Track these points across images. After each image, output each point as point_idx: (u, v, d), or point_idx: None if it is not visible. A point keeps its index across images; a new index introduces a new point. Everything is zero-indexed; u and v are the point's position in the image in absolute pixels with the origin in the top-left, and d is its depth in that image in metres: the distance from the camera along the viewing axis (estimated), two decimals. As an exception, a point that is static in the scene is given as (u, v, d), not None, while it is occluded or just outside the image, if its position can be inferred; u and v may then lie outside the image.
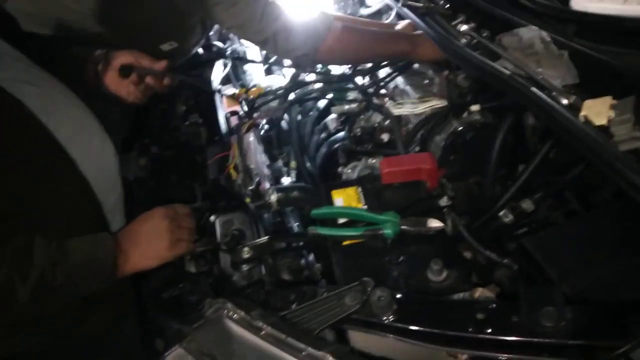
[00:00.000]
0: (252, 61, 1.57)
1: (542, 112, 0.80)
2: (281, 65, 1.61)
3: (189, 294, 0.83)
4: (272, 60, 1.62)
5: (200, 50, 1.56)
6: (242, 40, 1.66)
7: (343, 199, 1.05)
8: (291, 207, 1.19)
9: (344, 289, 0.74)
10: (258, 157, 1.24)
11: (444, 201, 1.01)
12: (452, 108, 1.20)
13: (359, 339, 0.76)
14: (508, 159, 1.19)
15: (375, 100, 1.37)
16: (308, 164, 1.42)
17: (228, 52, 1.59)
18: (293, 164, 1.41)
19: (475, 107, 1.17)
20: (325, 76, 1.48)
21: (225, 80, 1.52)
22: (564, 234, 0.85)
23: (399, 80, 1.40)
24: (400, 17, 1.42)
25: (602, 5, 0.86)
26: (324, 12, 1.28)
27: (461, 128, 1.17)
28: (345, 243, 0.95)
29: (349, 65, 1.46)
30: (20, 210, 0.82)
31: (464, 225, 0.98)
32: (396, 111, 1.30)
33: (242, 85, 1.48)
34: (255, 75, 1.58)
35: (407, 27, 1.37)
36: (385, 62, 1.42)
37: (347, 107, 1.39)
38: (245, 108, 1.33)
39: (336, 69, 1.51)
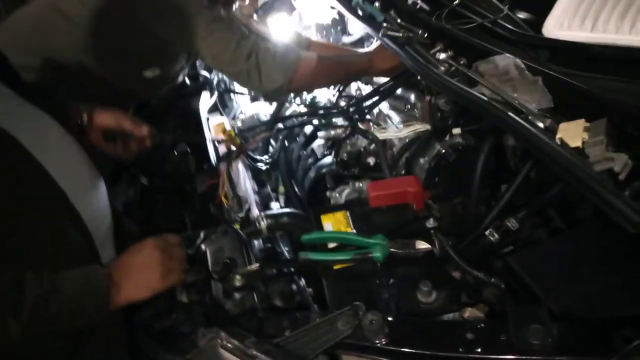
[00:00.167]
0: (239, 92, 1.61)
1: (519, 135, 0.84)
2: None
3: (181, 324, 0.83)
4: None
5: (187, 81, 1.59)
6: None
7: (332, 223, 1.06)
8: (281, 233, 1.20)
9: (336, 314, 0.75)
10: (247, 184, 1.25)
11: (430, 223, 1.03)
12: (435, 131, 1.24)
13: (352, 363, 0.77)
14: (491, 179, 1.23)
15: (361, 126, 1.40)
16: (297, 189, 1.44)
17: (215, 82, 1.62)
18: (282, 189, 1.43)
19: (456, 130, 1.21)
20: (311, 105, 1.52)
21: (213, 108, 1.54)
22: (548, 252, 0.88)
23: (383, 106, 1.44)
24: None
25: (571, 33, 0.92)
26: (292, 46, 1.32)
27: (444, 151, 1.21)
28: (335, 267, 0.96)
29: (335, 93, 1.50)
30: (13, 243, 0.82)
31: (451, 246, 1.01)
32: (381, 135, 1.34)
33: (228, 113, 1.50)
34: (242, 102, 1.61)
35: (378, 48, 1.42)
36: (371, 89, 1.47)
37: (333, 132, 1.42)
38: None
39: (321, 97, 1.54)
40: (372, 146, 1.35)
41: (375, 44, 1.43)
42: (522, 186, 1.05)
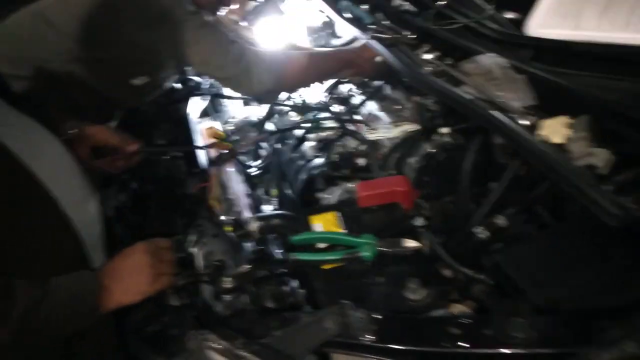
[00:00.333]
0: (229, 97, 1.61)
1: (504, 133, 0.85)
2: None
3: (171, 327, 0.83)
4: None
5: (178, 86, 1.59)
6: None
7: (322, 224, 1.07)
8: (274, 235, 1.20)
9: (323, 312, 0.76)
10: (238, 187, 1.26)
11: (419, 221, 1.04)
12: (424, 131, 1.25)
13: (342, 361, 0.78)
14: (480, 177, 1.24)
15: (351, 127, 1.41)
16: (289, 191, 1.45)
17: (206, 87, 1.63)
18: (274, 191, 1.44)
19: (445, 130, 1.22)
20: (302, 106, 1.52)
21: (204, 113, 1.55)
22: (534, 247, 0.89)
23: (373, 107, 1.45)
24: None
25: (553, 31, 0.93)
26: (279, 49, 1.34)
27: (433, 150, 1.21)
28: (325, 268, 0.97)
29: (326, 95, 1.51)
30: (3, 249, 0.83)
31: (440, 244, 1.01)
32: (371, 136, 1.35)
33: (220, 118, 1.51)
34: (233, 107, 1.62)
35: (362, 47, 1.42)
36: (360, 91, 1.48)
37: (323, 134, 1.43)
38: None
39: (312, 99, 1.55)
40: (363, 147, 1.36)
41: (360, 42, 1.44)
42: (511, 184, 1.06)
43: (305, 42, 1.66)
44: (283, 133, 1.52)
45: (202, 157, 1.34)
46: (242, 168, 1.40)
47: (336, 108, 1.51)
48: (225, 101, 1.66)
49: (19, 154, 0.88)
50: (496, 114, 0.86)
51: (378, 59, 1.30)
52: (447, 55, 1.08)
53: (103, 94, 1.37)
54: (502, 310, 0.69)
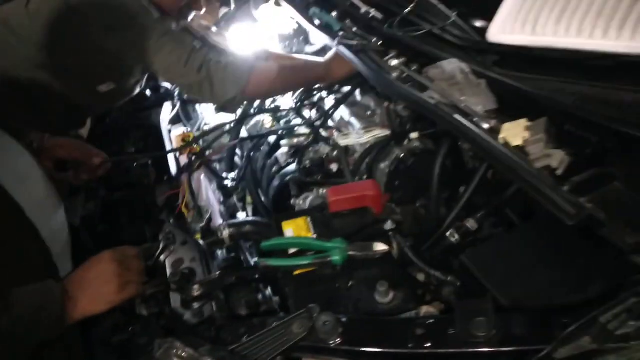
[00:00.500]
0: (199, 101, 1.61)
1: (466, 136, 0.87)
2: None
3: (138, 336, 0.82)
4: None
5: (149, 92, 1.58)
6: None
7: (293, 229, 1.07)
8: (250, 243, 1.20)
9: (290, 317, 0.76)
10: (209, 194, 1.25)
11: (388, 225, 1.05)
12: (394, 136, 1.27)
13: (313, 366, 0.78)
14: (451, 181, 1.26)
15: (323, 133, 1.42)
16: (263, 198, 1.45)
17: (176, 94, 1.62)
18: (249, 199, 1.43)
19: (414, 135, 1.24)
20: (274, 112, 1.53)
21: (175, 120, 1.54)
22: (499, 248, 0.91)
23: (344, 113, 1.46)
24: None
25: (513, 37, 0.95)
26: (244, 56, 1.34)
27: (403, 155, 1.23)
28: (296, 273, 0.97)
29: (296, 100, 1.52)
30: None
31: (409, 246, 1.03)
32: (342, 142, 1.36)
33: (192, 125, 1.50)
34: (206, 113, 1.61)
35: (334, 55, 1.44)
36: (329, 95, 1.49)
37: (296, 140, 1.44)
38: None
39: (284, 105, 1.56)
40: (335, 153, 1.37)
41: (332, 52, 1.46)
42: (482, 187, 1.08)
43: (278, 49, 1.67)
44: (255, 140, 1.52)
45: (172, 164, 1.33)
46: (214, 175, 1.39)
47: (308, 114, 1.52)
48: (197, 108, 1.66)
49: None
50: (459, 117, 0.88)
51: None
52: (413, 61, 1.10)
53: (70, 101, 1.35)
54: (465, 309, 0.70)
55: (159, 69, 1.28)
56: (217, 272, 0.95)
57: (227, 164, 1.51)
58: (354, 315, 0.79)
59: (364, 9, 1.21)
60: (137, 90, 1.46)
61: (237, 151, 1.56)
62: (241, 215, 1.37)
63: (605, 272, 0.75)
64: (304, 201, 1.32)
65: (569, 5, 0.89)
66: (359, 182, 1.22)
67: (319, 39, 1.72)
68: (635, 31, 0.78)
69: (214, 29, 1.49)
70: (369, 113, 1.42)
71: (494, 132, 0.85)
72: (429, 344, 0.68)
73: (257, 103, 1.57)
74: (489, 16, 1.03)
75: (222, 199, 1.39)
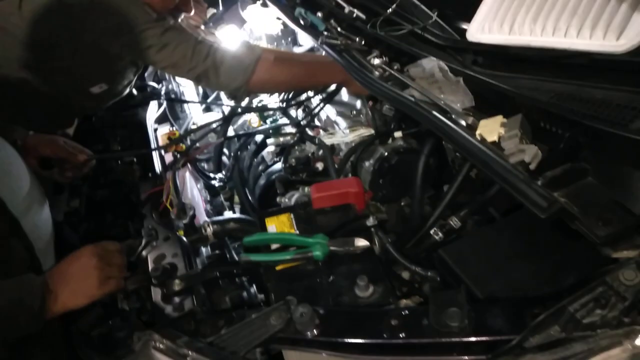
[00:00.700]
0: (185, 101, 1.62)
1: (444, 133, 0.89)
2: (219, 104, 1.66)
3: (118, 330, 0.83)
4: (209, 99, 1.67)
5: (135, 91, 1.59)
6: (179, 80, 1.71)
7: (276, 225, 1.08)
8: (238, 243, 1.20)
9: (268, 309, 0.77)
10: (194, 192, 1.26)
11: (370, 221, 1.06)
12: (378, 135, 1.28)
13: (294, 358, 0.78)
14: (435, 180, 1.28)
15: (309, 132, 1.44)
16: (249, 197, 1.45)
17: (162, 92, 1.63)
18: (237, 198, 1.44)
19: (398, 134, 1.26)
20: (261, 110, 1.54)
21: (162, 119, 1.54)
22: (476, 242, 0.92)
23: (330, 112, 1.48)
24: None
25: (491, 36, 0.97)
26: (251, 45, 1.35)
27: (386, 153, 1.25)
28: (278, 268, 0.98)
29: (283, 100, 1.53)
30: None
31: (391, 243, 1.04)
32: (328, 141, 1.37)
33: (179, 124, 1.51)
34: (193, 113, 1.62)
35: None
36: (315, 95, 1.50)
37: (282, 139, 1.45)
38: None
39: (271, 103, 1.57)
40: (320, 151, 1.38)
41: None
42: (465, 185, 1.09)
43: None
44: (241, 138, 1.53)
45: (157, 162, 1.34)
46: (200, 174, 1.40)
47: (294, 113, 1.53)
48: (186, 108, 1.66)
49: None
50: (437, 115, 0.90)
51: None
52: (395, 60, 1.11)
53: (60, 101, 1.36)
54: (439, 300, 0.71)
55: (166, 65, 1.28)
56: (199, 268, 0.95)
57: (215, 164, 1.52)
58: (331, 307, 0.79)
59: (348, 9, 1.22)
60: (127, 91, 1.46)
61: (225, 150, 1.57)
62: (228, 214, 1.37)
63: (577, 264, 0.77)
64: (290, 199, 1.33)
65: (545, 4, 0.91)
66: (342, 179, 1.23)
67: (306, 39, 1.74)
68: (607, 30, 0.80)
69: (202, 27, 1.50)
70: (354, 112, 1.44)
71: (472, 128, 0.86)
72: (403, 334, 0.69)
73: (244, 102, 1.58)
74: (469, 16, 1.05)
75: (208, 198, 1.39)
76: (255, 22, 1.73)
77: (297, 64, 1.41)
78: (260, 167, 1.48)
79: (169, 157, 1.35)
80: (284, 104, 1.52)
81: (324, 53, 1.57)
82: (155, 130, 1.48)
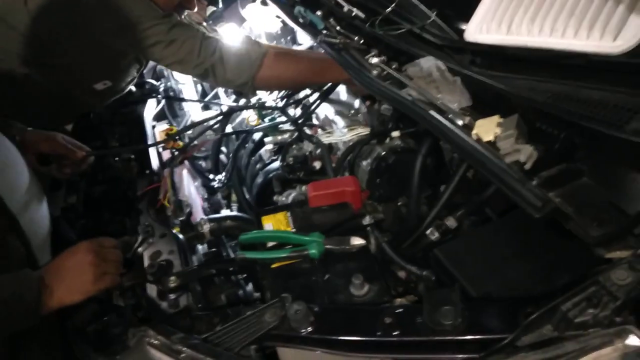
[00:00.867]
0: (183, 99, 1.62)
1: (440, 133, 0.89)
2: (217, 102, 1.66)
3: (113, 326, 0.83)
4: (207, 97, 1.67)
5: (133, 88, 1.59)
6: (177, 78, 1.71)
7: (272, 224, 1.09)
8: (235, 241, 1.21)
9: (263, 306, 0.77)
10: (191, 189, 1.26)
11: (367, 220, 1.06)
12: (375, 135, 1.28)
13: (288, 355, 0.79)
14: (432, 180, 1.28)
15: (307, 131, 1.44)
16: (247, 195, 1.46)
17: (161, 90, 1.63)
18: (234, 197, 1.44)
19: (395, 133, 1.26)
20: (259, 108, 1.54)
21: (160, 116, 1.54)
22: (471, 242, 0.92)
23: (328, 111, 1.48)
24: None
25: (489, 37, 0.97)
26: (257, 42, 1.35)
27: (384, 153, 1.25)
28: (274, 266, 0.98)
29: (282, 98, 1.53)
30: None
31: (387, 241, 1.04)
32: (326, 140, 1.38)
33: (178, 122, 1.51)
34: (192, 110, 1.62)
35: None
36: (313, 93, 1.50)
37: (280, 137, 1.45)
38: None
39: (269, 101, 1.57)
40: (318, 150, 1.38)
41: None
42: (462, 186, 1.10)
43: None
44: (240, 137, 1.53)
45: (154, 159, 1.34)
46: (198, 172, 1.40)
47: (292, 111, 1.53)
48: (184, 105, 1.67)
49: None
50: (434, 114, 0.90)
51: None
52: (393, 59, 1.11)
53: (62, 98, 1.36)
54: (433, 299, 0.72)
55: (173, 61, 1.27)
56: (195, 265, 0.95)
57: (212, 161, 1.52)
58: (325, 304, 0.80)
59: (347, 7, 1.22)
60: (129, 87, 1.46)
61: (223, 148, 1.57)
62: (225, 212, 1.37)
63: (571, 264, 0.77)
64: (287, 198, 1.34)
65: (543, 5, 0.91)
66: (339, 178, 1.23)
67: (305, 38, 1.74)
68: (604, 31, 0.80)
69: (204, 24, 1.50)
70: (352, 112, 1.44)
71: (468, 128, 0.86)
72: (397, 332, 0.69)
73: (242, 101, 1.59)
74: (467, 16, 1.06)
75: (206, 196, 1.40)
76: (254, 20, 1.73)
77: (303, 61, 1.40)
78: (258, 166, 1.48)
79: (166, 155, 1.35)
80: (282, 102, 1.52)
81: (322, 51, 1.59)
82: (154, 127, 1.48)
